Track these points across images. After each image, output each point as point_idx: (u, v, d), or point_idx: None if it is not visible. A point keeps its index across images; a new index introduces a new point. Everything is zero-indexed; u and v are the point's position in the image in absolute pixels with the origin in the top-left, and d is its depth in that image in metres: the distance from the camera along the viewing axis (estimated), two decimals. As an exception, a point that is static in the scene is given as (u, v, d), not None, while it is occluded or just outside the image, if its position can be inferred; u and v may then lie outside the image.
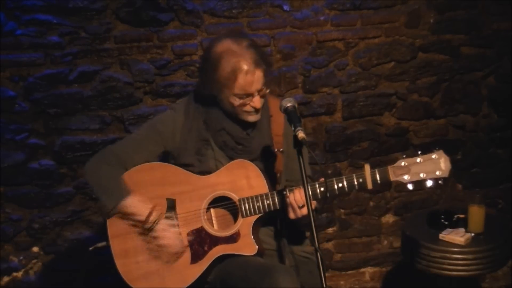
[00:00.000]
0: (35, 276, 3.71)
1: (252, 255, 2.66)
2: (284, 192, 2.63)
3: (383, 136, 3.93)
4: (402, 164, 2.60)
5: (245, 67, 2.57)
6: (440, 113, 3.96)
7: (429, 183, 2.59)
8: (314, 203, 2.59)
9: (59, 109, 3.58)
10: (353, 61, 3.81)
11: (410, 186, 2.60)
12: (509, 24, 3.89)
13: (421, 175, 2.58)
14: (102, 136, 3.64)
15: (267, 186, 2.68)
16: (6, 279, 3.69)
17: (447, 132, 4.00)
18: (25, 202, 3.64)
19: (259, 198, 2.66)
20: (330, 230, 3.98)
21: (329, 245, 4.00)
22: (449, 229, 3.28)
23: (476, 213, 3.23)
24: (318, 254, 2.31)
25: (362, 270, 4.08)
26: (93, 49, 3.55)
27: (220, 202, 2.71)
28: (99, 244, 2.77)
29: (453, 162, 3.91)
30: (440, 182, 2.60)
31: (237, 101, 2.63)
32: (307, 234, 2.89)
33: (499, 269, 3.53)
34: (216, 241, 2.68)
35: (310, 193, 2.52)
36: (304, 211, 2.54)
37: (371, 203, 3.98)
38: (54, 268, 3.71)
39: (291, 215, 2.61)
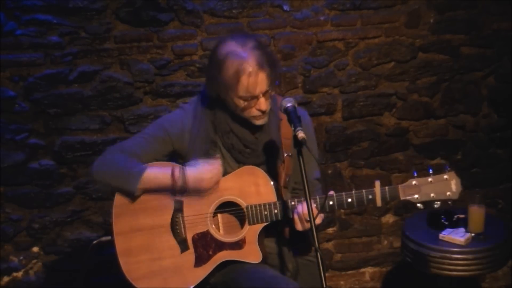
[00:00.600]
0: (35, 276, 3.71)
1: (256, 263, 2.65)
2: (293, 203, 2.61)
3: (383, 136, 3.93)
4: (413, 183, 2.59)
5: (248, 69, 2.53)
6: (440, 113, 3.96)
7: (438, 204, 2.59)
8: (321, 216, 2.57)
9: (59, 109, 3.58)
10: (353, 61, 3.81)
11: (419, 205, 2.60)
12: (509, 24, 3.88)
13: (431, 195, 2.58)
14: (102, 136, 3.64)
15: (275, 195, 2.65)
16: (6, 279, 3.69)
17: (447, 132, 4.00)
18: (25, 202, 3.64)
19: (267, 206, 2.63)
20: (330, 230, 3.98)
21: (329, 245, 4.00)
22: (449, 229, 3.28)
23: (476, 213, 3.23)
24: (318, 254, 2.31)
25: (362, 270, 4.08)
26: (93, 49, 3.55)
27: (228, 207, 2.68)
28: (103, 238, 2.77)
29: (453, 162, 3.98)
30: (449, 203, 2.60)
31: (242, 103, 2.59)
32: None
33: (499, 269, 3.54)
34: (221, 246, 2.66)
35: (319, 206, 2.54)
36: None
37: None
38: (54, 268, 3.72)
39: (298, 227, 2.58)
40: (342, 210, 3.95)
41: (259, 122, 2.65)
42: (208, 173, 2.63)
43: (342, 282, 4.06)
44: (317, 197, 2.61)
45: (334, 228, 3.98)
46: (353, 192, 2.61)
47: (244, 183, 2.66)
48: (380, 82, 3.86)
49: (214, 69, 2.60)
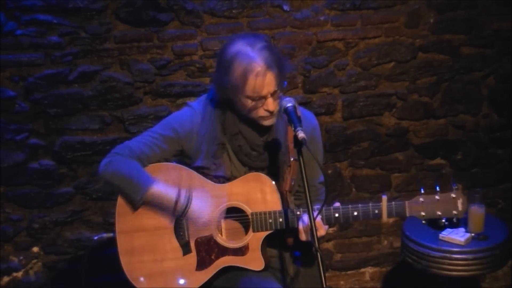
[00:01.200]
0: (35, 276, 3.71)
1: (260, 272, 2.64)
2: (298, 212, 2.60)
3: (383, 136, 3.93)
4: (420, 200, 2.59)
5: (256, 69, 2.51)
6: (440, 113, 3.96)
7: (443, 222, 2.61)
8: (326, 228, 2.58)
9: (59, 109, 3.58)
10: (353, 61, 3.81)
11: (424, 222, 2.61)
12: (509, 24, 3.88)
13: (438, 213, 2.59)
14: (102, 136, 3.64)
15: (281, 203, 2.64)
16: (6, 279, 3.69)
17: (447, 132, 4.00)
18: (25, 202, 3.64)
19: (272, 214, 2.62)
20: (330, 230, 3.97)
21: (329, 245, 4.00)
22: (449, 229, 3.27)
23: (476, 213, 3.23)
24: (318, 254, 2.31)
25: (362, 270, 4.08)
26: (93, 49, 3.55)
27: (232, 212, 2.67)
28: (106, 235, 2.76)
29: (453, 162, 3.98)
30: (454, 220, 2.62)
31: (249, 103, 2.57)
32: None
33: (499, 269, 3.53)
34: (224, 251, 2.65)
35: (325, 218, 2.55)
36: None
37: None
38: (54, 268, 3.72)
39: (303, 238, 2.57)
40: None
41: (267, 122, 2.63)
42: (211, 214, 2.64)
43: (342, 282, 4.06)
44: (324, 208, 2.55)
45: (334, 228, 3.98)
46: (359, 205, 2.59)
47: (251, 189, 2.65)
48: (380, 82, 3.86)
49: (222, 70, 2.58)
